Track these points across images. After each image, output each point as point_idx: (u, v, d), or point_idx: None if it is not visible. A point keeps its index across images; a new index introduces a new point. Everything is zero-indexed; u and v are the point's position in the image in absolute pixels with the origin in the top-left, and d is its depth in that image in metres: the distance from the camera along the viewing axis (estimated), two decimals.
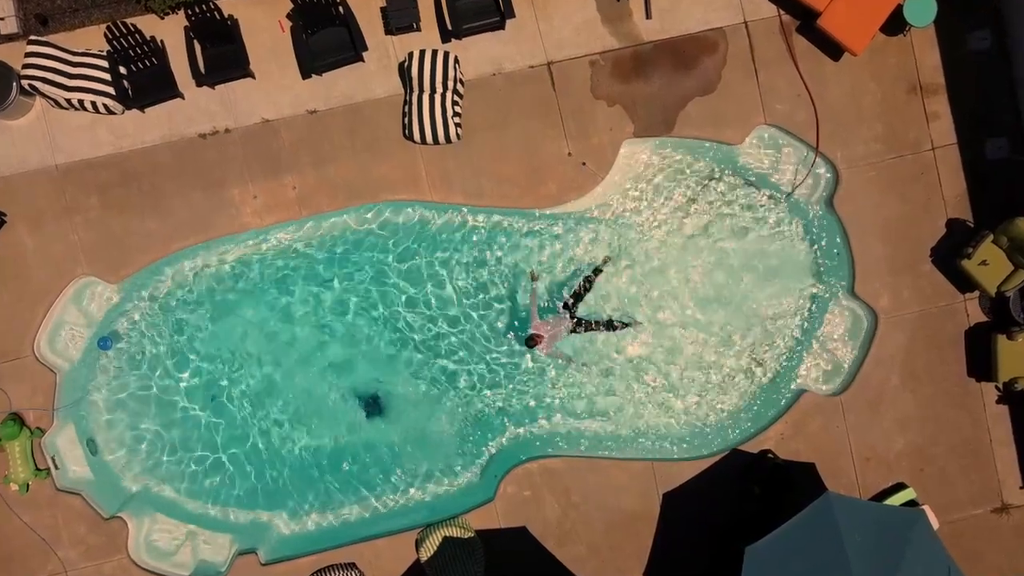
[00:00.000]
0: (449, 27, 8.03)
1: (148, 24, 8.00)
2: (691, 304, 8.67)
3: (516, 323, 8.54)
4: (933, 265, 8.45)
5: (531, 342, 7.32)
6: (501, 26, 8.08)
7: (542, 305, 8.26)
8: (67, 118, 8.15)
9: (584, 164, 8.31)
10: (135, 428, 8.55)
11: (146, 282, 8.40)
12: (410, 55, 7.95)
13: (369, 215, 8.44)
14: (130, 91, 7.97)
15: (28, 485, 8.11)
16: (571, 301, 7.96)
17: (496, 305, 8.60)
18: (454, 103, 7.98)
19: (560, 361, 8.14)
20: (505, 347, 8.59)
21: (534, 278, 7.64)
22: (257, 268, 8.53)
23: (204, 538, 8.45)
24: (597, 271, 8.26)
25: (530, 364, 8.63)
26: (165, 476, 8.57)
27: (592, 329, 8.01)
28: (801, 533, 6.96)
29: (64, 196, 8.17)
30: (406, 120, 8.09)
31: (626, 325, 8.34)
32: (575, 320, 7.88)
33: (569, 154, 8.31)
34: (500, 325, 8.61)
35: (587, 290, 8.15)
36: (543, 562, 8.36)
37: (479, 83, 8.26)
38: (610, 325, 8.21)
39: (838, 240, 8.49)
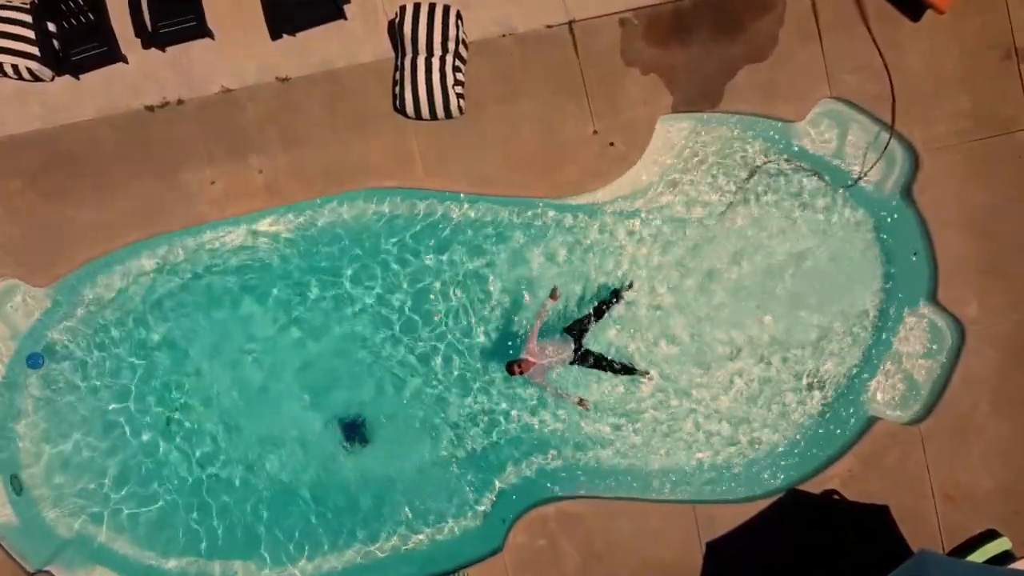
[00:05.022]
0: None
1: None
2: (738, 315, 8.02)
3: (516, 341, 7.96)
4: None
5: (511, 369, 6.85)
6: None
7: (547, 322, 7.58)
8: None
9: (612, 144, 7.81)
10: (70, 462, 8.01)
11: (83, 285, 7.91)
12: (402, 10, 7.43)
13: (351, 205, 7.99)
14: (61, 53, 7.53)
15: None
16: (579, 326, 7.40)
17: (498, 316, 8.04)
18: (455, 69, 7.45)
19: (551, 394, 7.54)
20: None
21: (554, 296, 7.02)
22: (216, 268, 8.00)
23: None
24: (617, 292, 7.70)
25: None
26: (107, 520, 8.00)
27: (600, 366, 7.52)
28: None
29: None
30: (397, 90, 7.61)
31: (646, 374, 7.76)
32: (581, 350, 7.32)
33: (594, 132, 7.82)
34: (501, 341, 8.03)
35: (601, 313, 7.57)
36: None
37: (486, 46, 7.80)
38: (625, 368, 7.66)
39: (916, 236, 7.96)
